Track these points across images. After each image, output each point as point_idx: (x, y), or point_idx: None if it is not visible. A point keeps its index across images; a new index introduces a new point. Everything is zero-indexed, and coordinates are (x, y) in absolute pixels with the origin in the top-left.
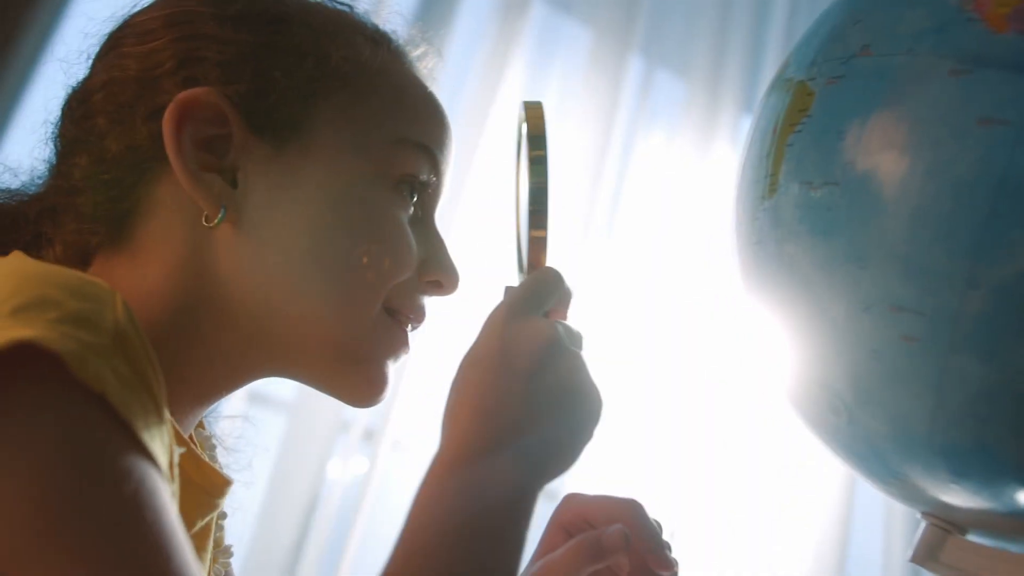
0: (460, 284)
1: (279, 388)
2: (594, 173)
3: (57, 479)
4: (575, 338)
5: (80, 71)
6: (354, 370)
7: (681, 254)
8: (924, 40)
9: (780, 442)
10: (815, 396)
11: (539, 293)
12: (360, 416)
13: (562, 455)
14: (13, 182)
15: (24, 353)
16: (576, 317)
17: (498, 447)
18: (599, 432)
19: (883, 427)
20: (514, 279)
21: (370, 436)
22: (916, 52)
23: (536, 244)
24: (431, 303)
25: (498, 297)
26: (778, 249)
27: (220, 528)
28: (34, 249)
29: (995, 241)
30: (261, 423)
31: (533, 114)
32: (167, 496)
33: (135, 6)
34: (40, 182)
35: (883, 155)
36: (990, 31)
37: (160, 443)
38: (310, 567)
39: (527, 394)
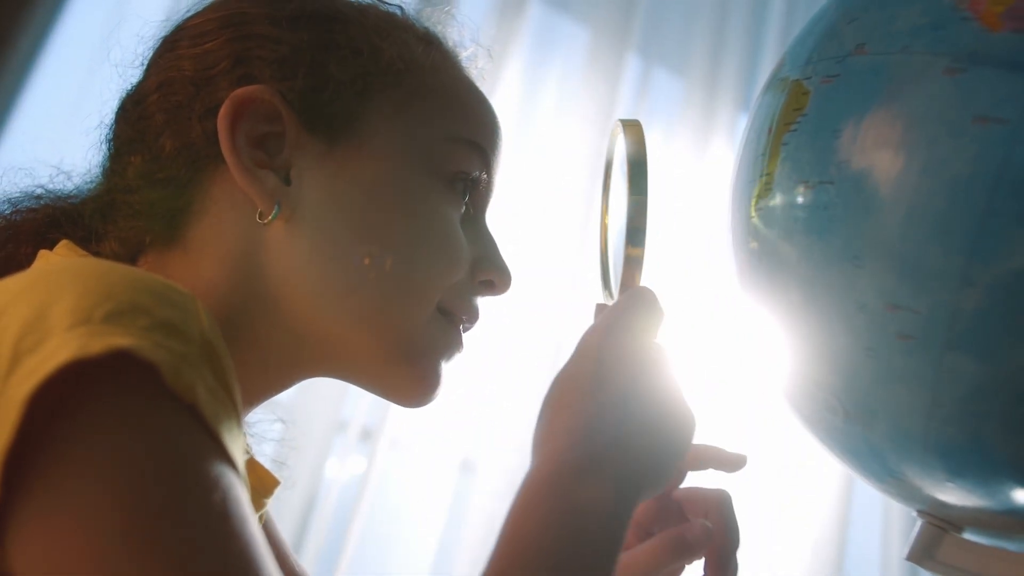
0: (512, 283)
1: None
2: (592, 172)
3: (149, 488)
4: (667, 359)
5: (76, 75)
6: (406, 370)
7: (678, 253)
8: (919, 38)
9: (778, 442)
10: (812, 395)
11: (634, 314)
12: (358, 416)
13: (655, 475)
14: (67, 185)
15: (117, 360)
16: (667, 338)
17: (594, 467)
18: (689, 451)
19: (879, 425)
20: (599, 296)
21: (368, 435)
22: (911, 51)
23: (632, 263)
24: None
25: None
26: (774, 248)
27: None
28: (87, 244)
29: (991, 239)
30: (273, 431)
31: (633, 132)
32: (249, 504)
33: (188, 11)
34: (91, 185)
35: (879, 153)
36: (985, 29)
37: (240, 450)
38: (308, 566)
39: (624, 415)
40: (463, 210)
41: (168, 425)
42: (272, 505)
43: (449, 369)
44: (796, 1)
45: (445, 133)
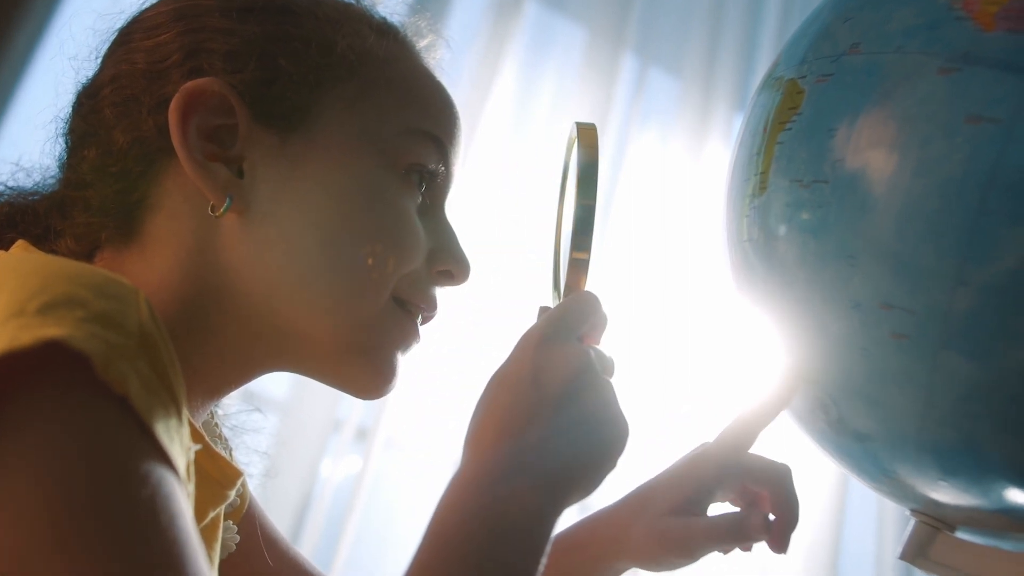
0: (471, 273)
1: (271, 387)
2: None
3: (74, 482)
4: (607, 365)
5: (85, 68)
6: (361, 361)
7: (674, 252)
8: (913, 38)
9: (772, 440)
10: (805, 394)
11: (575, 317)
12: (353, 415)
13: (583, 482)
14: (27, 182)
15: (50, 351)
16: (610, 344)
17: (520, 471)
18: (623, 461)
19: (873, 425)
20: (547, 299)
21: (363, 435)
22: (905, 50)
23: (576, 266)
24: (443, 295)
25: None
26: (768, 247)
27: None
28: (44, 242)
29: (984, 239)
30: (253, 422)
31: (586, 136)
32: (183, 501)
33: (143, 3)
34: (52, 181)
35: (872, 153)
36: (979, 29)
37: (179, 446)
38: None
39: (554, 420)
40: (419, 201)
41: (97, 420)
42: (265, 503)
43: (405, 361)
44: (792, 1)
45: (401, 125)
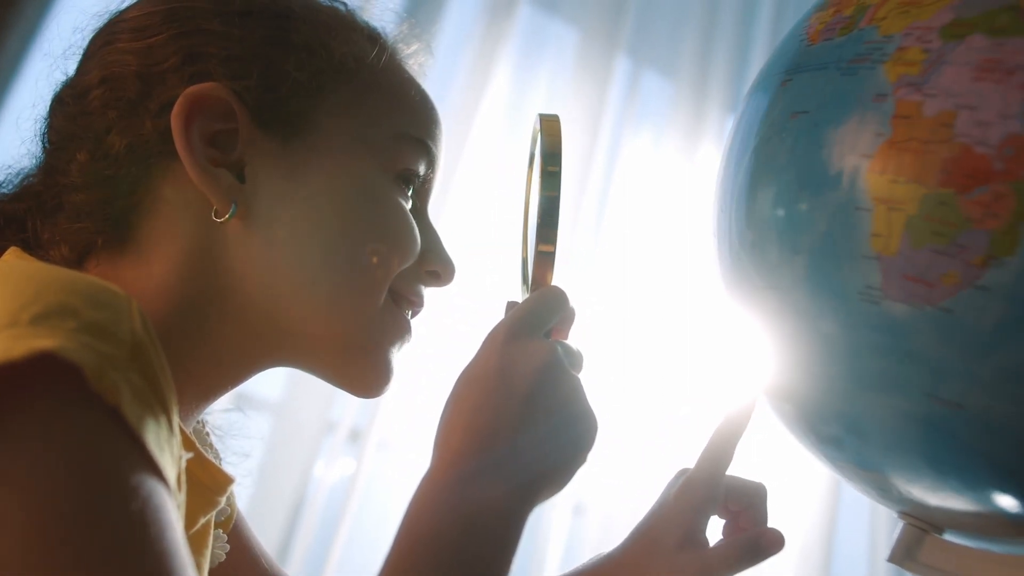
0: (455, 275)
1: (265, 389)
2: (581, 173)
3: (64, 494)
4: (575, 359)
5: (67, 66)
6: (362, 360)
7: (668, 254)
8: (777, 66)
9: (765, 442)
10: (772, 392)
11: (542, 312)
12: (346, 417)
13: (554, 478)
14: (7, 187)
15: (42, 362)
16: (578, 337)
17: (490, 470)
18: (592, 456)
19: (816, 408)
20: (517, 294)
21: (356, 437)
22: (770, 74)
23: (542, 260)
24: (434, 295)
25: (498, 310)
26: (716, 251)
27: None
28: (35, 248)
29: (801, 211)
30: (242, 428)
31: (549, 128)
32: (173, 513)
33: (122, 2)
34: (19, 179)
35: (734, 161)
36: (810, 44)
37: (170, 456)
38: (296, 567)
39: (522, 416)
40: (410, 204)
41: (88, 430)
42: (259, 506)
43: (401, 359)
44: (785, 4)
45: (391, 130)
